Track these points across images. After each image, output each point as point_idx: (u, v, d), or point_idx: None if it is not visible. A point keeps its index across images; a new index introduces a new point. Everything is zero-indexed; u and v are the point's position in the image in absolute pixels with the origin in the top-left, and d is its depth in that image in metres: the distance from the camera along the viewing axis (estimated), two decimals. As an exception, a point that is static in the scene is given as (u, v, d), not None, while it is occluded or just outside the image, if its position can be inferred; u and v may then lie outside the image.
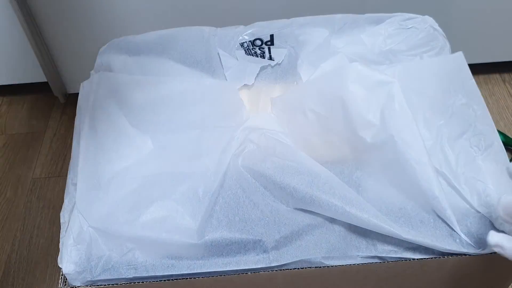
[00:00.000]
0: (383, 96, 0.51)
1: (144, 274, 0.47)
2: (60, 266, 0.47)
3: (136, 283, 0.47)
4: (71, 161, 0.55)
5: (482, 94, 0.57)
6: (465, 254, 0.47)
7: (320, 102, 0.54)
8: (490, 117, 0.54)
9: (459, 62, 0.58)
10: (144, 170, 0.52)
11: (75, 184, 0.52)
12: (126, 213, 0.49)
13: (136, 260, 0.48)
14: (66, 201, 0.52)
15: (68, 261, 0.47)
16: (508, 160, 0.52)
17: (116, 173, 0.52)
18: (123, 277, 0.47)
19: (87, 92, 0.60)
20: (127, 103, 0.58)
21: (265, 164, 0.50)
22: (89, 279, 0.47)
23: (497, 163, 0.51)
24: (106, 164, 0.53)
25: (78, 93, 0.61)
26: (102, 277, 0.47)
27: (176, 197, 0.50)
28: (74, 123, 0.59)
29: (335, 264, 0.48)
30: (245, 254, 0.48)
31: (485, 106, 0.56)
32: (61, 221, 0.51)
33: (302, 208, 0.49)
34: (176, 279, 0.47)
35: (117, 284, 0.47)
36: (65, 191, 0.53)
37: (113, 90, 0.59)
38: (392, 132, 0.49)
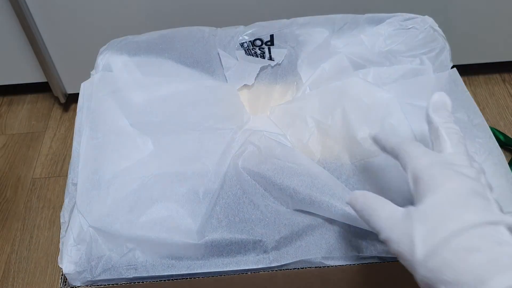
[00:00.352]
0: (382, 109, 0.53)
1: (144, 274, 0.47)
2: (60, 266, 0.47)
3: (136, 283, 0.47)
4: (71, 161, 0.55)
5: (482, 94, 0.58)
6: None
7: (320, 111, 0.55)
8: (487, 125, 0.55)
9: (454, 78, 0.59)
10: (145, 170, 0.52)
11: (75, 184, 0.52)
12: (126, 213, 0.49)
13: (136, 260, 0.48)
14: (66, 201, 0.52)
15: (68, 261, 0.47)
16: (507, 165, 0.52)
17: (116, 173, 0.52)
18: (123, 277, 0.47)
19: (87, 92, 0.60)
20: (127, 103, 0.58)
21: (265, 165, 0.50)
22: (89, 279, 0.47)
23: (496, 165, 0.51)
24: (106, 164, 0.53)
25: (78, 93, 0.61)
26: (102, 277, 0.47)
27: (176, 197, 0.50)
28: (74, 123, 0.59)
29: (335, 264, 0.48)
30: (245, 254, 0.48)
31: (482, 115, 0.57)
32: (61, 221, 0.51)
33: (302, 209, 0.49)
34: (176, 279, 0.47)
35: (117, 284, 0.47)
36: (65, 191, 0.53)
37: (113, 90, 0.59)
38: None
